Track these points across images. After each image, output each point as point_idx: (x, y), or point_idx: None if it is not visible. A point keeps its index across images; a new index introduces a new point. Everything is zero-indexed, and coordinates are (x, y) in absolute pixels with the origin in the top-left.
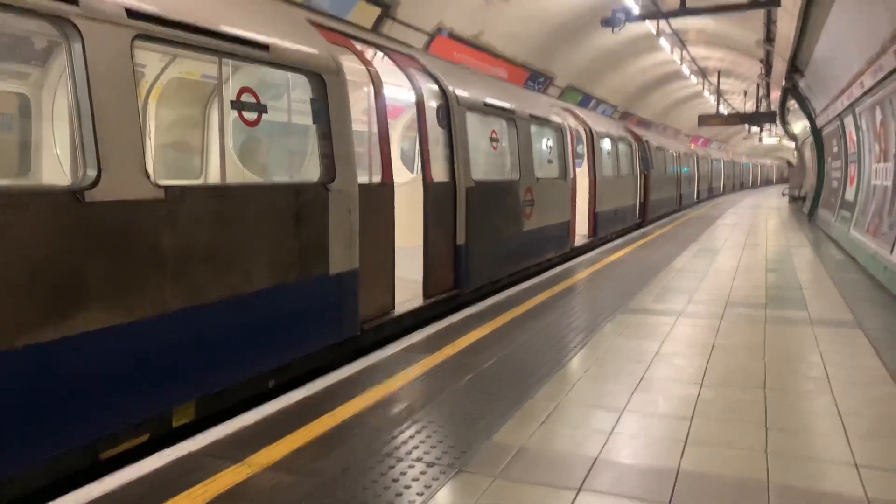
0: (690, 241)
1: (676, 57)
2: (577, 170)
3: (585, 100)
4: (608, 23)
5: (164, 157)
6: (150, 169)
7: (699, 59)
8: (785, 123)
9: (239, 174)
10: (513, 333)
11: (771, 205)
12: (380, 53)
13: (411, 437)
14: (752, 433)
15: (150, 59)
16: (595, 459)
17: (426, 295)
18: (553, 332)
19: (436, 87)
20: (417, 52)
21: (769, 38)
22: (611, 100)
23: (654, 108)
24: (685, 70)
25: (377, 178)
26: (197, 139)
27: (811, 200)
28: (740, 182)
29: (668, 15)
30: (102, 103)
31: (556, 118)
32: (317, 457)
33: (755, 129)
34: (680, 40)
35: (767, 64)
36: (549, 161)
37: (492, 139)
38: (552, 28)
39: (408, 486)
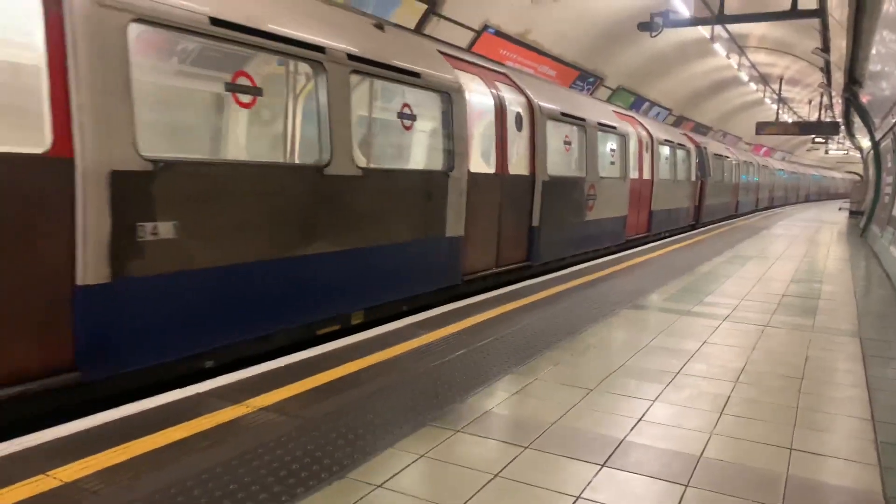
0: (728, 247)
1: (734, 62)
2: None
3: (638, 101)
4: (646, 27)
5: (367, 150)
6: (355, 156)
7: (760, 65)
8: (851, 136)
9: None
10: (518, 317)
11: (828, 219)
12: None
13: (396, 392)
14: (708, 416)
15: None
16: (552, 424)
17: (497, 264)
18: (556, 319)
19: (524, 99)
20: (509, 70)
21: (826, 47)
22: (664, 102)
23: (711, 113)
24: (743, 76)
25: (491, 170)
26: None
27: (866, 216)
28: (805, 194)
29: (703, 22)
30: (334, 113)
31: (620, 126)
32: (309, 403)
33: (820, 139)
34: (738, 46)
35: (827, 73)
36: (612, 163)
37: (565, 142)
38: (602, 29)
39: (373, 432)
